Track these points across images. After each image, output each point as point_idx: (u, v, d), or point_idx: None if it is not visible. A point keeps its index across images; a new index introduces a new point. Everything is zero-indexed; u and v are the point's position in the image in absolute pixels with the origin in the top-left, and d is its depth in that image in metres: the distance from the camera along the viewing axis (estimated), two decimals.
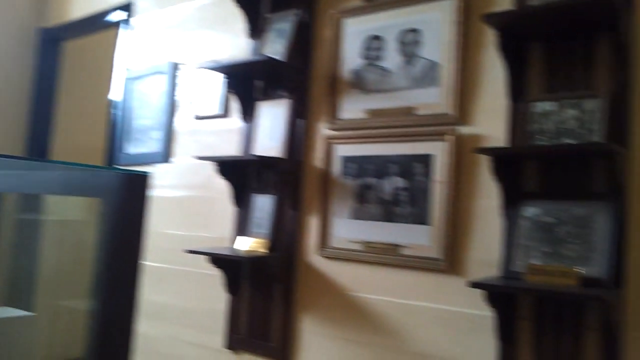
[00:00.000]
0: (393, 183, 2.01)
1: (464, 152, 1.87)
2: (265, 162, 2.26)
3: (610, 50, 1.59)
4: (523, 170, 1.73)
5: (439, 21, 1.95)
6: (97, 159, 3.26)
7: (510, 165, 1.71)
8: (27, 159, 2.60)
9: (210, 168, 2.43)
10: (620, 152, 1.51)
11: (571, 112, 1.64)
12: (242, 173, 2.39)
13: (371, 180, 2.07)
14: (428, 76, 1.96)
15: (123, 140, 3.03)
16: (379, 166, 2.05)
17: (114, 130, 3.10)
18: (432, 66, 1.95)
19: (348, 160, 2.13)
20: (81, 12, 3.48)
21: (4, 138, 3.56)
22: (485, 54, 1.85)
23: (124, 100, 3.06)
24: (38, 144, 3.63)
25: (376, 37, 2.11)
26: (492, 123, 1.82)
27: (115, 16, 3.24)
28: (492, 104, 1.83)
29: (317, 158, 2.23)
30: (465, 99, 1.89)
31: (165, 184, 2.77)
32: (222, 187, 2.45)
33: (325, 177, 2.19)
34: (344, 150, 2.15)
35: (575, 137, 1.62)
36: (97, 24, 3.40)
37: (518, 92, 1.75)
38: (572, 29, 1.63)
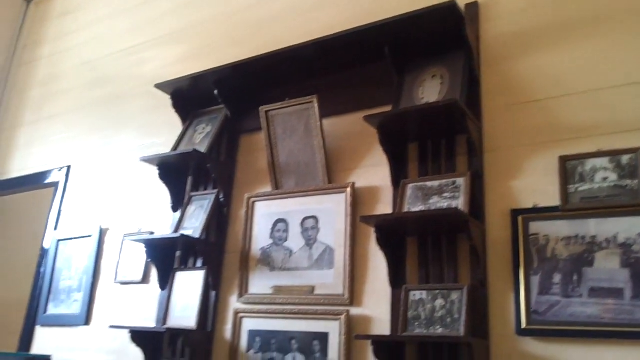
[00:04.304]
0: (294, 359, 2.13)
1: (355, 332, 2.03)
2: (178, 335, 2.36)
3: (468, 250, 1.87)
4: (404, 354, 1.90)
5: (333, 211, 2.22)
6: (20, 315, 3.25)
7: (391, 350, 1.88)
8: None
9: (126, 335, 2.49)
10: (479, 343, 1.72)
11: (440, 302, 1.86)
12: (155, 343, 2.46)
13: (275, 355, 2.18)
14: (324, 259, 2.19)
15: (47, 299, 3.07)
16: (282, 342, 2.18)
17: (38, 287, 3.14)
18: (328, 250, 2.19)
19: (254, 334, 2.26)
20: (21, 171, 3.65)
21: None
22: (371, 244, 2.10)
23: (51, 259, 3.15)
24: None
25: (282, 220, 2.36)
26: (378, 306, 2.02)
27: (54, 176, 3.43)
28: (378, 288, 2.04)
29: (227, 330, 2.35)
30: (355, 282, 2.10)
31: (81, 348, 2.78)
32: (136, 355, 2.50)
33: (233, 351, 2.29)
34: (251, 324, 2.29)
35: (444, 325, 1.83)
36: (34, 181, 3.57)
37: (397, 280, 1.98)
38: (438, 232, 1.93)
